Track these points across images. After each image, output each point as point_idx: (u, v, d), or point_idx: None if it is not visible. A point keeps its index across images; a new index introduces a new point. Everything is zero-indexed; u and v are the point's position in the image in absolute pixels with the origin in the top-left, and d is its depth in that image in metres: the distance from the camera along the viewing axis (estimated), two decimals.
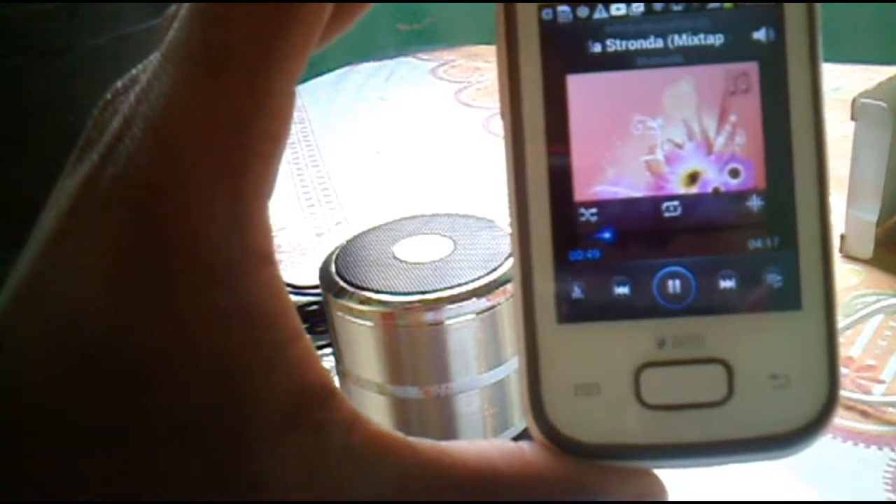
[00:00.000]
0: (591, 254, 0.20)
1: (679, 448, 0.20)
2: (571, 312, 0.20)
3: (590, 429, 0.20)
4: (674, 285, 0.20)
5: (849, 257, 0.68)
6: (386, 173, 0.94)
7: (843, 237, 0.68)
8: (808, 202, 0.20)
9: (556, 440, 0.20)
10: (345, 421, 0.18)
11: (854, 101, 0.63)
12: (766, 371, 0.20)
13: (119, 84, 0.19)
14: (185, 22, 0.18)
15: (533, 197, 0.20)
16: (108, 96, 0.19)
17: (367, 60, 1.26)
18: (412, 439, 0.19)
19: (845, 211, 0.67)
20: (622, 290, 0.20)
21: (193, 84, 0.17)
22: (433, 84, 1.20)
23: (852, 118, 0.63)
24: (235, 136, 0.17)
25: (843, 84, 1.01)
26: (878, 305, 0.58)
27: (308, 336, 0.19)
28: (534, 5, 0.20)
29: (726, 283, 0.20)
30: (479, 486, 0.19)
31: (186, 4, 0.18)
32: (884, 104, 0.61)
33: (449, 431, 0.46)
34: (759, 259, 0.20)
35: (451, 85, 1.18)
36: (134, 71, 0.19)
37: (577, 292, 0.20)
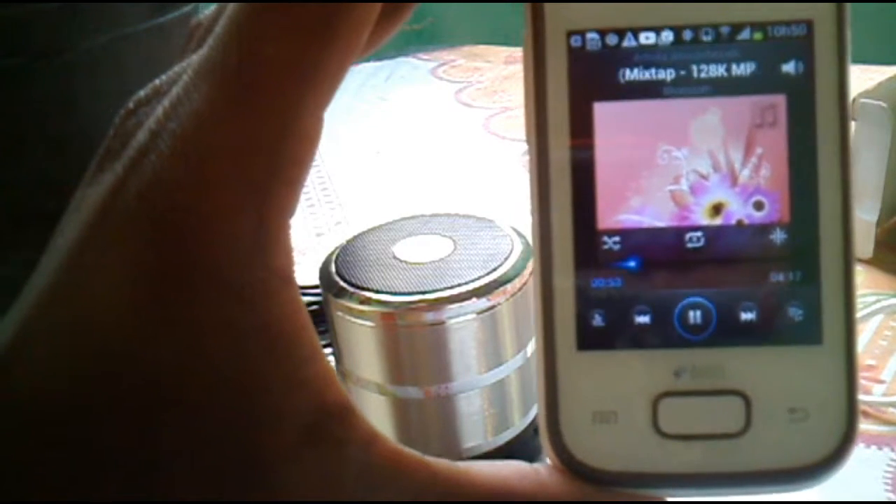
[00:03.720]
0: (612, 282, 0.20)
1: (695, 478, 0.20)
2: (591, 340, 0.20)
3: (606, 456, 0.20)
4: (694, 316, 0.20)
5: None
6: (386, 173, 0.94)
7: None
8: (832, 236, 0.20)
9: (573, 466, 0.20)
10: (363, 439, 0.18)
11: (854, 101, 0.63)
12: (784, 404, 0.20)
13: (141, 94, 0.19)
14: (220, 41, 0.17)
15: (556, 223, 0.20)
16: (131, 105, 0.19)
17: (367, 60, 1.26)
18: (429, 458, 0.19)
19: None
20: (643, 320, 0.20)
21: (224, 104, 0.17)
22: (433, 84, 1.20)
23: (852, 118, 0.63)
24: (263, 158, 0.17)
25: None
26: (878, 305, 0.58)
27: (326, 355, 0.19)
28: (562, 32, 0.20)
29: (747, 316, 0.20)
30: (493, 502, 0.19)
31: (222, 22, 0.18)
32: (884, 104, 0.61)
33: (449, 431, 0.46)
34: (780, 292, 0.20)
35: (451, 85, 1.18)
36: (157, 81, 0.19)
37: (597, 320, 0.20)
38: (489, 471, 0.19)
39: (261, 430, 0.18)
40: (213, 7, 0.20)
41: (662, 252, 0.20)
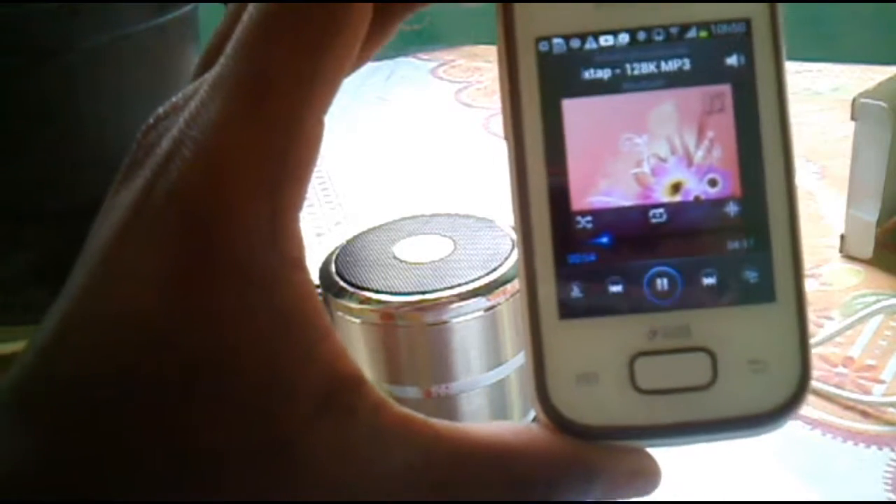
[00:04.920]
0: (587, 257, 0.23)
1: (670, 428, 0.22)
2: (571, 309, 0.23)
3: (590, 412, 0.22)
4: (662, 283, 0.23)
5: (849, 257, 0.68)
6: (386, 173, 0.94)
7: (843, 237, 0.68)
8: (779, 207, 0.22)
9: (561, 423, 0.22)
10: (373, 405, 0.21)
11: (854, 101, 0.63)
12: (745, 357, 0.22)
13: (160, 110, 0.22)
14: (231, 59, 0.20)
15: (535, 207, 0.23)
16: (151, 121, 0.22)
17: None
18: (433, 420, 0.21)
19: (845, 211, 0.67)
20: (616, 289, 0.23)
21: (238, 112, 0.20)
22: (433, 84, 1.20)
23: (852, 118, 0.63)
24: (274, 158, 0.20)
25: (843, 84, 1.01)
26: (878, 305, 0.58)
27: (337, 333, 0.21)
28: (531, 39, 0.23)
29: (709, 280, 0.23)
30: (492, 456, 0.21)
31: (231, 44, 0.20)
32: (884, 104, 0.61)
33: None
34: (736, 258, 0.22)
35: (451, 85, 1.19)
36: (174, 98, 0.22)
37: (575, 291, 0.23)
38: (487, 429, 0.22)
39: (280, 403, 0.20)
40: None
41: (630, 228, 0.23)
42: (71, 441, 0.19)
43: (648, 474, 0.23)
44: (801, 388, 0.22)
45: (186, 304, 0.19)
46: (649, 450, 0.23)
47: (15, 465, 0.19)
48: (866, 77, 0.99)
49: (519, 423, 0.47)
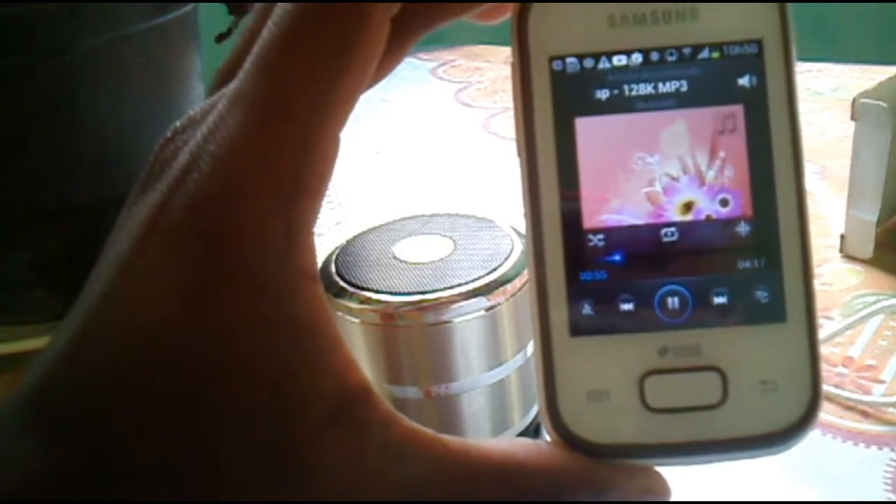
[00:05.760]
0: (599, 275, 0.23)
1: (680, 447, 0.22)
2: (582, 327, 0.23)
3: (600, 430, 0.22)
4: (673, 302, 0.23)
5: (849, 257, 0.68)
6: (386, 173, 0.94)
7: (843, 237, 0.68)
8: (790, 227, 0.22)
9: (571, 441, 0.22)
10: (383, 419, 0.21)
11: (854, 101, 0.63)
12: (756, 377, 0.22)
13: (177, 124, 0.22)
14: (249, 75, 0.20)
15: (547, 225, 0.23)
16: (169, 134, 0.22)
17: None
18: (442, 435, 0.21)
19: (845, 211, 0.67)
20: (627, 307, 0.23)
21: (255, 129, 0.20)
22: (433, 84, 1.20)
23: (852, 118, 0.63)
24: (289, 174, 0.20)
25: (843, 84, 1.01)
26: (878, 305, 0.58)
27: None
28: (545, 57, 0.23)
29: (719, 300, 0.23)
30: (501, 472, 0.21)
31: (250, 59, 0.21)
32: (884, 104, 0.61)
33: (449, 432, 0.45)
34: (747, 278, 0.23)
35: (451, 85, 1.19)
36: (191, 112, 0.22)
37: (587, 309, 0.23)
38: (497, 445, 0.22)
39: (291, 413, 0.20)
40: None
41: (642, 246, 0.23)
42: (81, 450, 0.19)
43: (657, 493, 0.23)
44: (811, 409, 0.22)
45: (200, 314, 0.20)
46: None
47: (25, 474, 0.19)
48: (866, 77, 0.99)
49: (518, 423, 0.47)
